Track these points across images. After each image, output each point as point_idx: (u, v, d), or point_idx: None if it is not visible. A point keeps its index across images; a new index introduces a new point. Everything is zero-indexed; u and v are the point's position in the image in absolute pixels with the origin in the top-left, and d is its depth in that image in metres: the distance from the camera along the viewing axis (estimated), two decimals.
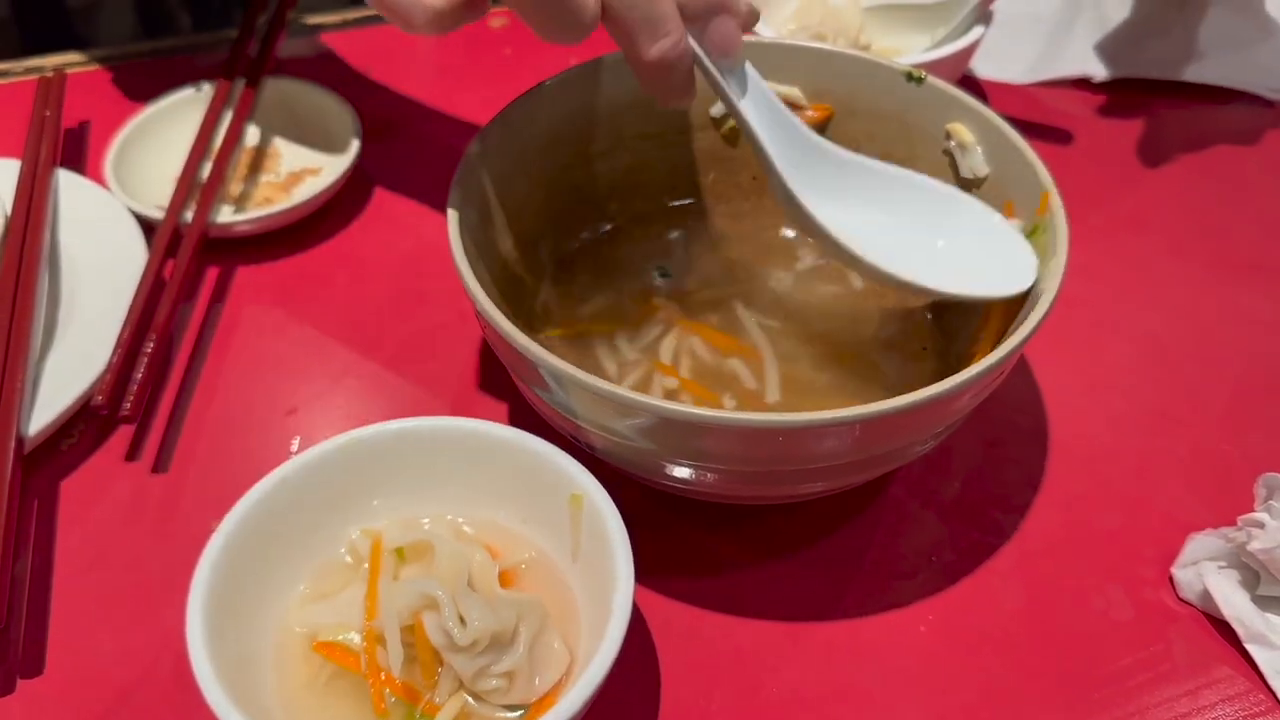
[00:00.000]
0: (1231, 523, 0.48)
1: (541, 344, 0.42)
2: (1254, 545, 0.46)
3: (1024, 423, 0.57)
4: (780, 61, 0.57)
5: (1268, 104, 0.78)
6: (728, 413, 0.40)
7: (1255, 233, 0.69)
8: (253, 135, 0.73)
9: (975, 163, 0.53)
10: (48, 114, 0.69)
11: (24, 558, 0.51)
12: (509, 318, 0.43)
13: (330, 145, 0.71)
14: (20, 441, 0.52)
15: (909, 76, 0.55)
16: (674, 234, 0.61)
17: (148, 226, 0.64)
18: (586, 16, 0.39)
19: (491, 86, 0.81)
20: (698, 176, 0.62)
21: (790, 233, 0.61)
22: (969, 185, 0.54)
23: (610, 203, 0.60)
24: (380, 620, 0.42)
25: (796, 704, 0.46)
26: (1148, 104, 0.78)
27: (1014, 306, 0.48)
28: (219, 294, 0.65)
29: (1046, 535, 0.52)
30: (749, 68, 0.47)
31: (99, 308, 0.60)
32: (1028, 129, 0.57)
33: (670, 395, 0.52)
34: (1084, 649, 0.47)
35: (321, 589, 0.45)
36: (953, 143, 0.54)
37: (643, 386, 0.53)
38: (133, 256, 0.62)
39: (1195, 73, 0.78)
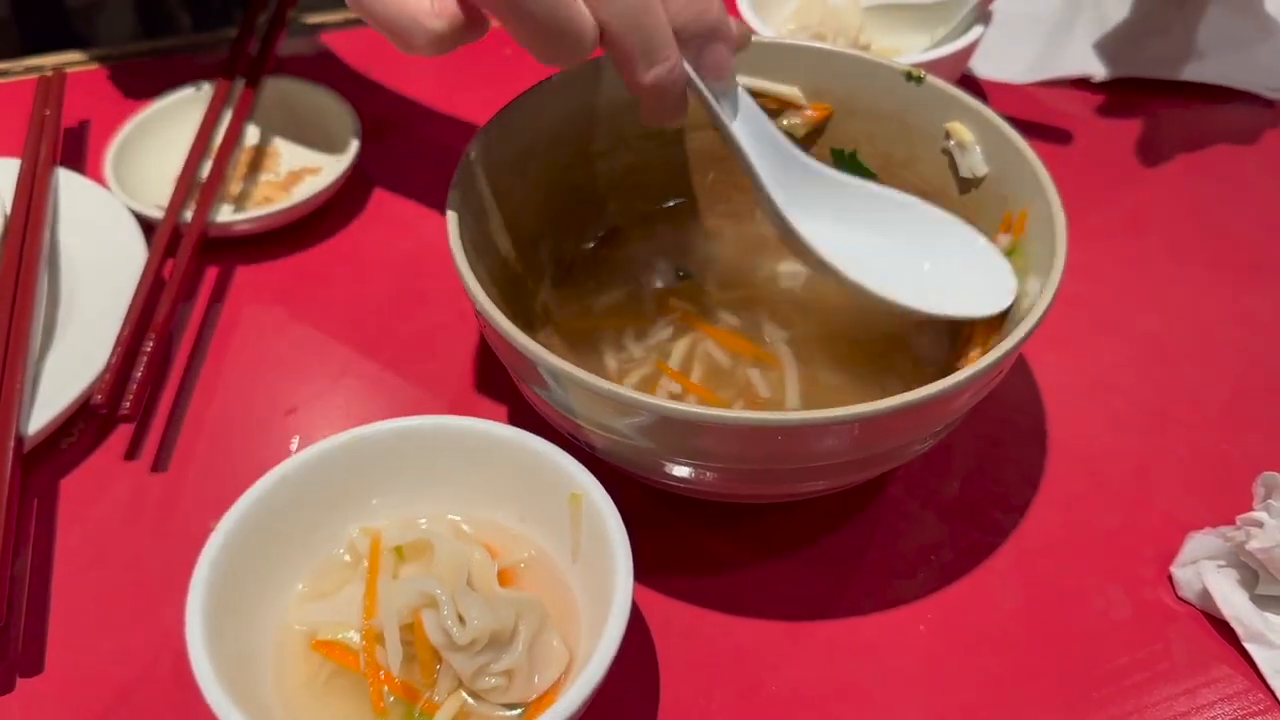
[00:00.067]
0: (1230, 522, 0.48)
1: (541, 343, 0.42)
2: (1253, 544, 0.46)
3: (1023, 422, 0.57)
4: (780, 61, 0.57)
5: (1267, 103, 0.78)
6: (727, 411, 0.40)
7: (1255, 232, 0.69)
8: (252, 135, 0.73)
9: (974, 162, 0.53)
10: (47, 113, 0.69)
11: (24, 556, 0.51)
12: (509, 317, 0.43)
13: (330, 145, 0.71)
14: (20, 440, 0.52)
15: (908, 76, 0.55)
16: (675, 234, 0.61)
17: (147, 226, 0.64)
18: (585, 42, 0.40)
19: (491, 86, 0.81)
20: (698, 176, 0.62)
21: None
22: (968, 185, 0.54)
23: (610, 203, 0.60)
24: (379, 619, 0.42)
25: (796, 702, 0.46)
26: (1147, 103, 0.78)
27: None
28: (218, 293, 0.65)
29: (1046, 534, 0.52)
30: (740, 90, 0.48)
31: (99, 307, 0.60)
32: (1027, 129, 0.57)
33: (675, 400, 0.52)
34: (1083, 648, 0.47)
35: (321, 588, 0.45)
36: (952, 142, 0.54)
37: (645, 387, 0.53)
38: (132, 256, 0.62)
39: (1195, 72, 0.78)
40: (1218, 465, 0.55)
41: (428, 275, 0.66)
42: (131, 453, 0.56)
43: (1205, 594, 0.48)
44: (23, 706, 0.46)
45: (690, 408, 0.40)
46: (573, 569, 0.45)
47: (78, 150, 0.74)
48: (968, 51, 0.71)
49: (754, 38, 0.60)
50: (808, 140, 0.60)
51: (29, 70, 0.82)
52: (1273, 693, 0.46)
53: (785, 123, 0.59)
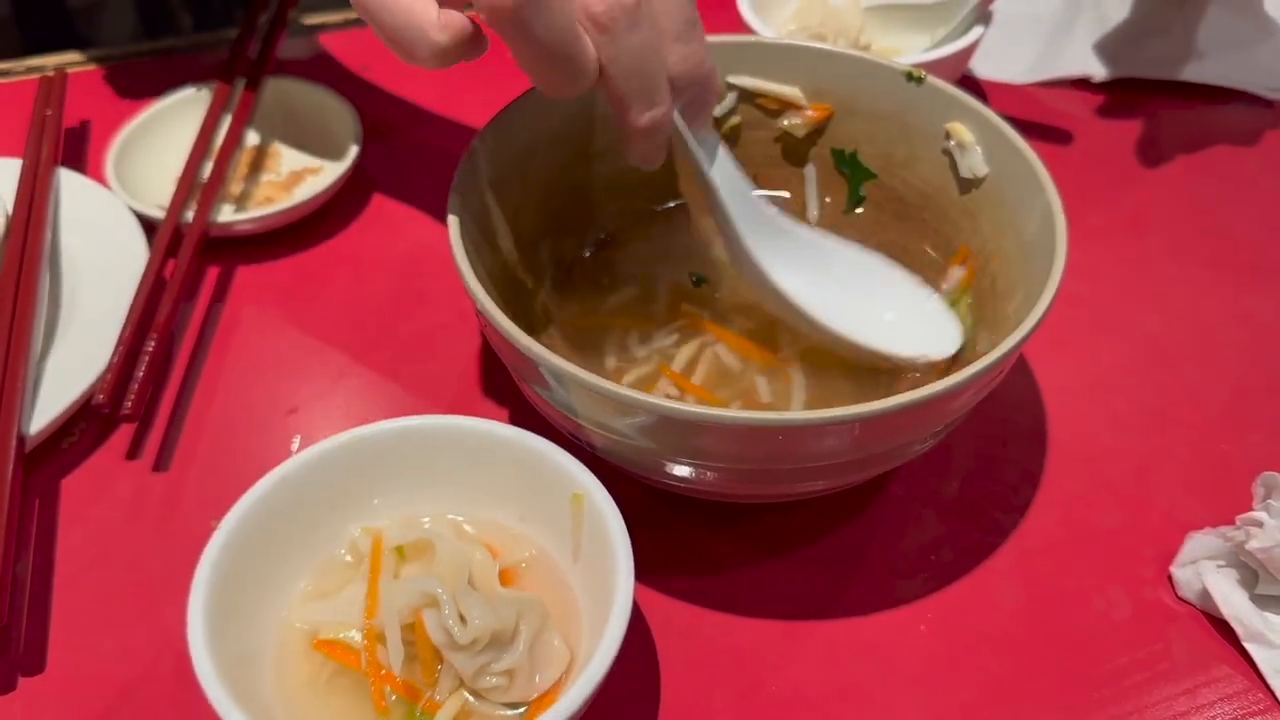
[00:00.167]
0: (1230, 522, 0.48)
1: (542, 343, 0.42)
2: (1252, 544, 0.46)
3: (1024, 422, 0.57)
4: (780, 61, 0.57)
5: (1267, 104, 0.78)
6: (727, 411, 0.40)
7: (1255, 233, 0.69)
8: (253, 135, 0.74)
9: (975, 162, 0.53)
10: (49, 113, 0.69)
11: (25, 556, 0.51)
12: (510, 317, 0.43)
13: (331, 145, 0.72)
14: (21, 440, 0.52)
15: (909, 76, 0.55)
16: (676, 236, 0.61)
17: (149, 226, 0.64)
18: (588, 76, 0.41)
19: (492, 88, 0.80)
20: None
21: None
22: (969, 185, 0.54)
23: (610, 203, 0.60)
24: (381, 618, 0.42)
25: (796, 702, 0.46)
26: (1147, 104, 0.78)
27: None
28: (220, 293, 0.65)
29: (1046, 534, 0.52)
30: (718, 140, 0.50)
31: (100, 307, 0.60)
32: (1027, 129, 0.57)
33: (672, 400, 0.52)
34: (1083, 648, 0.47)
35: (322, 587, 0.45)
36: (952, 142, 0.54)
37: (642, 387, 0.53)
38: (134, 256, 0.62)
39: (1194, 72, 0.78)
40: (1218, 465, 0.55)
41: (428, 275, 0.66)
42: (133, 452, 0.56)
43: (1205, 594, 0.48)
44: (25, 706, 0.46)
45: (691, 407, 0.40)
46: (574, 569, 0.45)
47: (79, 150, 0.74)
48: (968, 52, 0.71)
49: (755, 38, 0.60)
50: (808, 140, 0.60)
51: (30, 70, 0.82)
52: (1272, 692, 0.46)
53: (786, 123, 0.59)
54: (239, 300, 0.64)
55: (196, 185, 0.66)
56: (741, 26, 0.73)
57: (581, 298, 0.57)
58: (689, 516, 0.52)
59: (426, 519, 0.47)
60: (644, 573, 0.47)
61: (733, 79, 0.58)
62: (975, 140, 0.53)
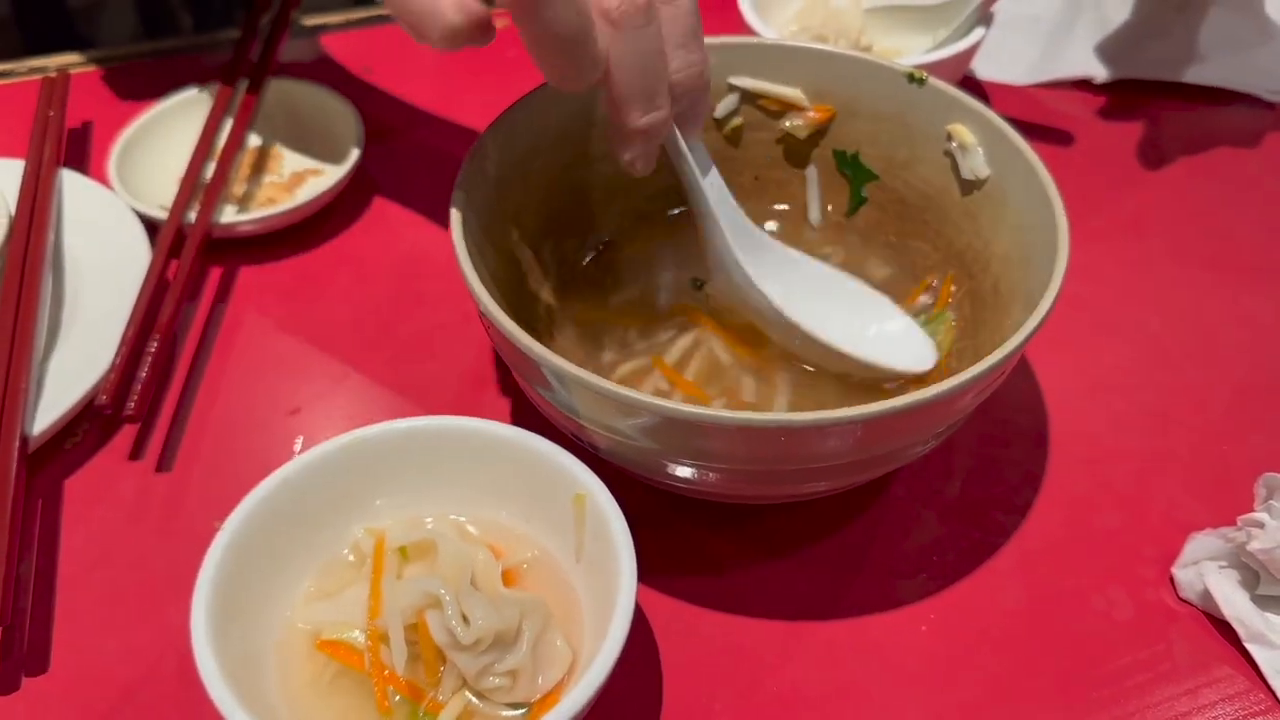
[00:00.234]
0: (1231, 523, 0.49)
1: (544, 344, 0.42)
2: (1254, 545, 0.46)
3: (1025, 423, 0.57)
4: (782, 63, 0.57)
5: (1268, 106, 0.78)
6: (731, 412, 0.40)
7: (1256, 234, 0.69)
8: (255, 136, 0.74)
9: (976, 164, 0.53)
10: (51, 114, 0.69)
11: (28, 557, 0.51)
12: (512, 318, 0.43)
13: (333, 146, 0.72)
14: (25, 441, 0.52)
15: (910, 78, 0.55)
16: (678, 237, 0.61)
17: (151, 227, 0.64)
18: (597, 68, 0.41)
19: (493, 90, 0.80)
20: None
21: (810, 231, 0.61)
22: (970, 186, 0.54)
23: (611, 205, 0.61)
24: (384, 619, 0.43)
25: (798, 702, 0.46)
26: (1148, 105, 0.78)
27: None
28: (222, 294, 0.65)
29: (1047, 535, 0.52)
30: (705, 151, 0.51)
31: (103, 308, 0.60)
32: (1029, 130, 0.57)
33: (661, 394, 0.52)
34: (1084, 648, 0.47)
35: (325, 588, 0.45)
36: (954, 144, 0.54)
37: (634, 380, 0.53)
38: (136, 257, 0.62)
39: (1196, 74, 0.78)
40: (1219, 466, 0.55)
41: (430, 276, 0.66)
42: (136, 453, 0.56)
43: (1206, 594, 0.48)
44: (28, 706, 0.46)
45: (694, 409, 0.40)
46: (576, 569, 0.45)
47: (81, 151, 0.74)
48: (969, 53, 0.71)
49: (756, 39, 0.60)
50: (810, 142, 0.60)
51: (33, 71, 0.82)
52: (1274, 693, 0.46)
53: (788, 124, 0.59)
54: (241, 301, 0.64)
55: (199, 186, 0.66)
56: (743, 28, 0.73)
57: (585, 296, 0.57)
58: (691, 517, 0.52)
59: (429, 519, 0.47)
60: (646, 573, 0.47)
61: (734, 80, 0.58)
62: (977, 142, 0.53)
